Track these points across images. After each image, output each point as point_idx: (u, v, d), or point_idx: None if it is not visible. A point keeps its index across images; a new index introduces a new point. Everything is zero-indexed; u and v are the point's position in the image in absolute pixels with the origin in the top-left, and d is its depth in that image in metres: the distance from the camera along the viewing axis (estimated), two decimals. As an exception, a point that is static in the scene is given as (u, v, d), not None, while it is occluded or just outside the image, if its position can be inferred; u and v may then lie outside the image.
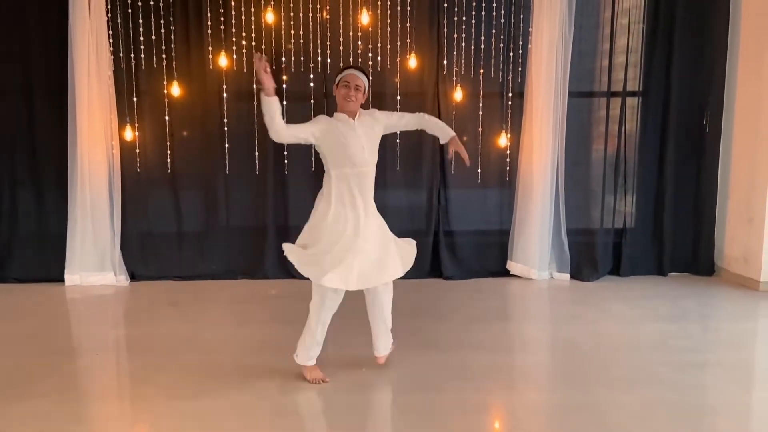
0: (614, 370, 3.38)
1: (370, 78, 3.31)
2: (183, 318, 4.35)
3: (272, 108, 2.94)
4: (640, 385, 3.19)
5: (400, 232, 5.35)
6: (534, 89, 5.15)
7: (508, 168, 5.41)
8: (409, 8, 5.21)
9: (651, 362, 3.50)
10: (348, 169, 3.10)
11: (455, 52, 5.27)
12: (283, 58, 5.21)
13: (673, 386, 3.18)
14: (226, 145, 5.27)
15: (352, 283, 2.99)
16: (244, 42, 5.17)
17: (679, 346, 3.77)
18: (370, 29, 5.22)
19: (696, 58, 5.32)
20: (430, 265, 5.48)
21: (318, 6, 5.18)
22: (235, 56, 5.18)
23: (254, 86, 5.21)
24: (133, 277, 5.27)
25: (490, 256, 5.51)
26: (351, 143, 3.09)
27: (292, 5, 5.15)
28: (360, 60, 5.23)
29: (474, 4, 5.22)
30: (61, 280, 5.13)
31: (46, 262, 5.19)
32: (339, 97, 3.16)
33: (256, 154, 5.29)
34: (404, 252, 3.26)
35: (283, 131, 3.00)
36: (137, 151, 5.24)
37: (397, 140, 5.31)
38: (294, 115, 5.15)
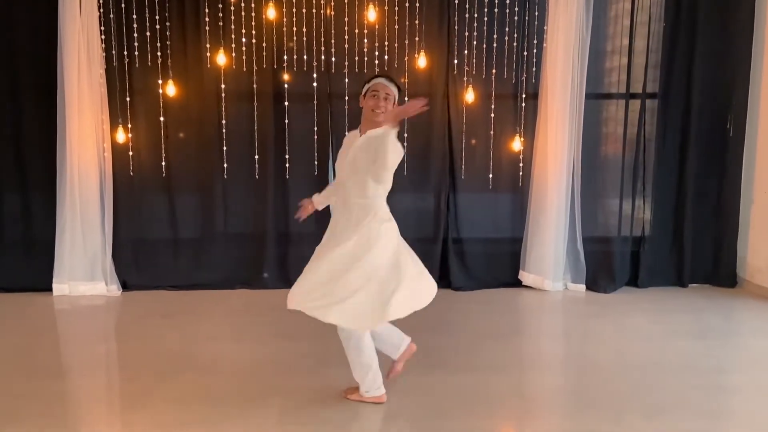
0: (642, 394, 3.12)
1: (400, 86, 2.96)
2: (177, 332, 4.08)
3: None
4: (672, 411, 2.94)
5: (409, 239, 5.20)
6: (549, 90, 4.89)
7: (521, 173, 5.16)
8: (418, 4, 4.95)
9: (680, 385, 3.24)
10: (337, 178, 2.96)
11: (466, 51, 5.01)
12: (285, 57, 4.96)
13: (707, 413, 2.94)
14: (224, 148, 5.02)
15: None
16: (243, 39, 4.91)
17: (708, 367, 3.52)
18: (377, 26, 4.97)
19: (719, 59, 5.06)
20: (438, 275, 5.23)
21: (322, 2, 4.92)
22: (234, 54, 4.92)
23: (254, 86, 4.96)
24: (125, 286, 5.01)
25: (502, 266, 5.25)
26: (342, 154, 2.92)
27: (294, 0, 4.89)
28: (366, 59, 4.98)
29: (486, 0, 4.96)
30: (49, 289, 4.87)
31: (33, 271, 4.92)
32: (366, 108, 2.86)
33: (256, 157, 5.03)
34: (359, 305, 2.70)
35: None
36: (130, 153, 4.97)
37: (405, 143, 5.05)
38: (296, 115, 4.97)
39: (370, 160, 2.74)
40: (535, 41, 5.02)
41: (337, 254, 2.74)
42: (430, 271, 5.03)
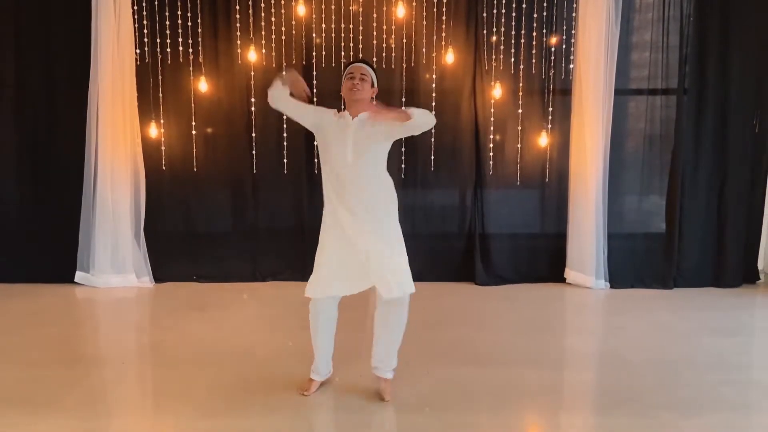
0: (674, 390, 3.12)
1: (374, 67, 2.97)
2: (210, 324, 4.15)
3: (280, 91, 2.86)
4: (706, 407, 2.93)
5: (432, 234, 5.26)
6: (583, 86, 4.88)
7: (548, 168, 5.16)
8: (446, 0, 4.97)
9: (712, 381, 3.23)
10: (329, 167, 2.86)
11: (494, 47, 5.02)
12: (314, 53, 5.00)
13: (741, 409, 2.93)
14: (254, 143, 5.09)
15: (319, 291, 2.85)
16: (273, 36, 4.96)
17: (740, 364, 3.50)
18: (405, 23, 4.99)
19: (748, 54, 5.00)
20: (463, 270, 5.26)
21: (350, -2, 4.97)
22: (264, 50, 4.98)
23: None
24: (155, 278, 5.10)
25: (528, 262, 5.26)
26: (336, 140, 2.82)
27: (323, -3, 4.95)
28: (393, 55, 5.02)
29: (515, -5, 4.97)
30: (81, 281, 4.98)
31: (63, 263, 5.02)
32: (345, 90, 2.88)
33: (285, 152, 5.09)
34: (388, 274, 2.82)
35: (280, 100, 2.87)
36: (162, 148, 5.06)
37: (432, 138, 5.09)
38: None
39: (379, 133, 2.80)
40: (564, 37, 5.01)
41: (377, 239, 2.82)
42: (455, 265, 5.17)
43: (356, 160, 2.79)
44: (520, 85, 5.06)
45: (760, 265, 5.24)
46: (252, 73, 5.00)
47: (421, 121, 2.74)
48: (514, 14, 4.98)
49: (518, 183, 5.16)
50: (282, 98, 2.86)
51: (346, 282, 2.87)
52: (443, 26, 5.01)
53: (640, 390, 3.12)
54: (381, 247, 2.80)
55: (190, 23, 4.94)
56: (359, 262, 2.81)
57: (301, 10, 4.93)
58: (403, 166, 5.09)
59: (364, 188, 2.83)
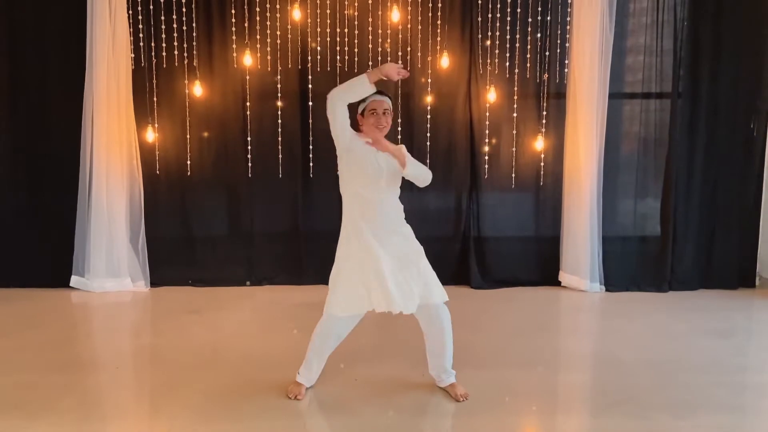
0: (668, 392, 3.13)
1: (390, 96, 3.02)
2: (205, 327, 4.15)
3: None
4: (700, 409, 2.94)
5: (427, 238, 5.19)
6: (577, 90, 4.90)
7: (542, 172, 5.17)
8: (441, 5, 4.99)
9: (706, 383, 3.24)
10: (356, 191, 2.89)
11: (489, 51, 5.04)
12: (309, 57, 5.01)
13: (736, 411, 2.94)
14: (249, 148, 5.09)
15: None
16: (268, 40, 4.98)
17: (735, 366, 3.51)
18: (400, 27, 5.01)
19: (744, 59, 5.03)
20: (458, 273, 5.26)
21: (346, 2, 4.97)
22: (259, 54, 4.99)
23: (278, 86, 5.02)
24: (151, 282, 5.09)
25: (523, 265, 5.26)
26: (372, 167, 2.86)
27: (318, 1, 4.95)
28: (389, 59, 5.03)
29: (509, 0, 4.98)
30: (75, 285, 4.97)
31: (58, 267, 5.01)
32: (367, 126, 2.91)
33: (280, 156, 5.09)
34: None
35: (346, 101, 2.82)
36: (157, 153, 5.06)
37: (428, 142, 5.10)
38: (320, 115, 4.98)
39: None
40: (558, 41, 5.03)
41: (405, 251, 2.96)
42: (449, 268, 5.18)
43: (388, 186, 2.92)
44: (515, 89, 5.08)
45: (758, 268, 5.25)
46: (247, 77, 5.00)
47: (415, 173, 2.94)
48: (508, 18, 5.00)
49: (513, 186, 5.17)
50: (350, 99, 2.80)
51: (379, 296, 2.83)
52: (438, 30, 5.02)
53: (636, 391, 3.13)
54: (414, 262, 2.96)
55: (185, 27, 4.94)
56: (395, 278, 2.85)
57: (296, 14, 4.94)
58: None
59: (391, 212, 2.96)
